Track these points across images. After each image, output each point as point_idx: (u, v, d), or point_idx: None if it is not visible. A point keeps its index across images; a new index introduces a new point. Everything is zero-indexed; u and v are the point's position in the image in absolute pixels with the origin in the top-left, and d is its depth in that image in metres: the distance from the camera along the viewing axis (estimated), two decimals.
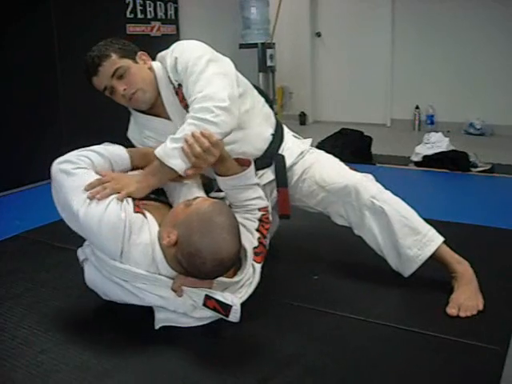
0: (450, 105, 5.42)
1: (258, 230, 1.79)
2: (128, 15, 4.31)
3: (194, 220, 1.50)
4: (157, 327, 1.62)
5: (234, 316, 1.52)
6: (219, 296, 1.54)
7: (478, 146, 4.41)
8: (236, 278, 1.66)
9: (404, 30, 5.57)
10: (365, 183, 1.92)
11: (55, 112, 3.80)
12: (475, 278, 1.81)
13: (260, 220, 1.82)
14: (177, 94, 1.83)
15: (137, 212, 1.57)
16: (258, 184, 1.87)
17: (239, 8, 5.58)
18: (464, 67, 5.29)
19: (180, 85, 1.79)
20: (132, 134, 2.02)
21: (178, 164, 1.62)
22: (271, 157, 1.98)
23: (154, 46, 4.36)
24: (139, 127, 1.98)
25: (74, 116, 3.87)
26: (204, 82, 1.69)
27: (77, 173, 1.58)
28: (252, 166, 1.84)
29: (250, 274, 1.71)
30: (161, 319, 1.62)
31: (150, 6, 4.52)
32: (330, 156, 2.11)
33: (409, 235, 1.84)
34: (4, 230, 2.64)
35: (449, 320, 1.68)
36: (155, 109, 1.88)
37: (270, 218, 1.86)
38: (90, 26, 3.96)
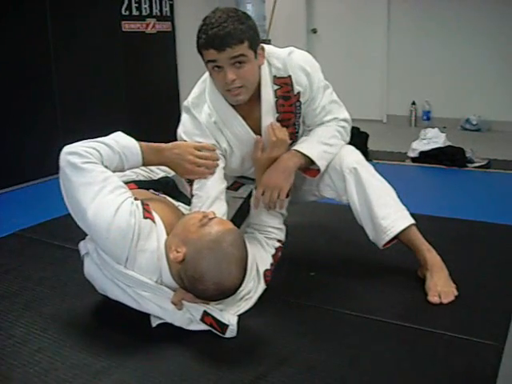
0: (447, 100, 5.42)
1: (272, 256, 1.85)
2: (123, 12, 4.29)
3: (205, 245, 1.48)
4: (154, 325, 1.61)
5: (230, 334, 1.56)
6: (217, 314, 1.56)
7: (474, 141, 4.42)
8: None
9: (400, 25, 5.57)
10: (351, 152, 1.95)
11: (52, 110, 3.78)
12: (444, 265, 1.83)
13: (276, 249, 1.88)
14: (285, 98, 1.83)
15: (146, 217, 1.55)
16: (283, 215, 1.93)
17: (235, 5, 5.57)
18: (460, 63, 5.29)
19: (299, 92, 1.84)
20: (187, 130, 1.84)
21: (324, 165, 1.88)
22: None
23: (149, 43, 4.42)
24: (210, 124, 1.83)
25: (69, 113, 3.85)
26: (337, 106, 2.06)
27: (85, 168, 1.55)
28: (289, 198, 1.91)
29: (250, 288, 1.72)
30: (157, 317, 1.61)
31: (145, 3, 4.50)
32: None
33: (384, 207, 1.86)
34: (0, 228, 2.63)
35: (447, 316, 1.68)
36: (242, 105, 1.80)
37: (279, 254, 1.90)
38: (85, 24, 3.95)
